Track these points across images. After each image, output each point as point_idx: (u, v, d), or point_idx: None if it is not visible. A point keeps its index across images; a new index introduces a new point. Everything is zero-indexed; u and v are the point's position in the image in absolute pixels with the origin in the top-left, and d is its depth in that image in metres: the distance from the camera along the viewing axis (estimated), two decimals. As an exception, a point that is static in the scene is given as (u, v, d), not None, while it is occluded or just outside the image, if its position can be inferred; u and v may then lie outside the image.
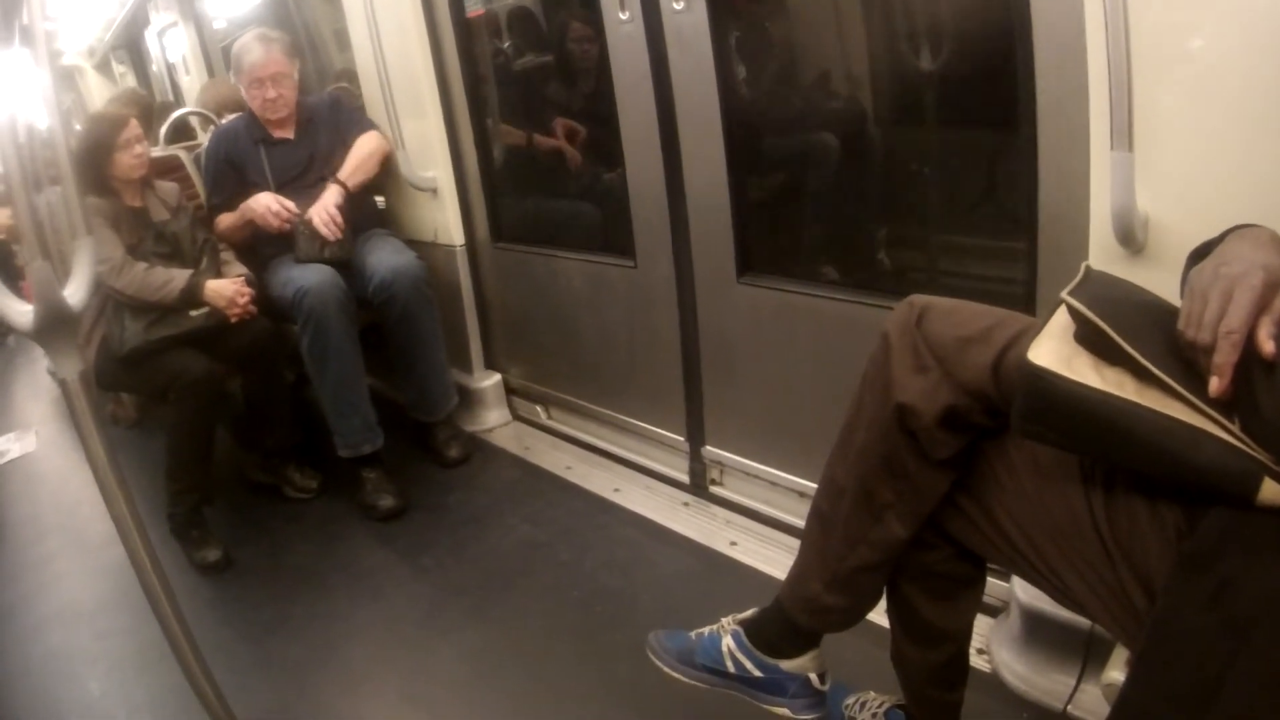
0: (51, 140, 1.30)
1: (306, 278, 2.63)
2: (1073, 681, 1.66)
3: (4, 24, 1.23)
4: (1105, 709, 1.50)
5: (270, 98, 2.84)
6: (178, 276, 2.51)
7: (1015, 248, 1.75)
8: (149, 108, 4.53)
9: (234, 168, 2.93)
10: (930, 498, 1.17)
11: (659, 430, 2.68)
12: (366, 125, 3.03)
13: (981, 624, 1.75)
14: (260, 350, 2.70)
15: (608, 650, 1.96)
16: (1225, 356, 0.84)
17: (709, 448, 2.53)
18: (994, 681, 1.75)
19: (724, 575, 2.21)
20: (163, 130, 3.84)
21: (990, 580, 1.37)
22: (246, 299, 2.58)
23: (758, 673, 1.42)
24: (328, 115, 3.01)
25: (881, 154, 2.11)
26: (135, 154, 2.60)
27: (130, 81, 7.77)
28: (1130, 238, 1.38)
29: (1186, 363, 0.89)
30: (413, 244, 3.00)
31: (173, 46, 6.30)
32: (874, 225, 2.15)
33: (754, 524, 2.38)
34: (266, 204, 2.78)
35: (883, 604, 1.36)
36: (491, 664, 2.01)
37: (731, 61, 2.16)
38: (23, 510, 3.26)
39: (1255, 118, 1.23)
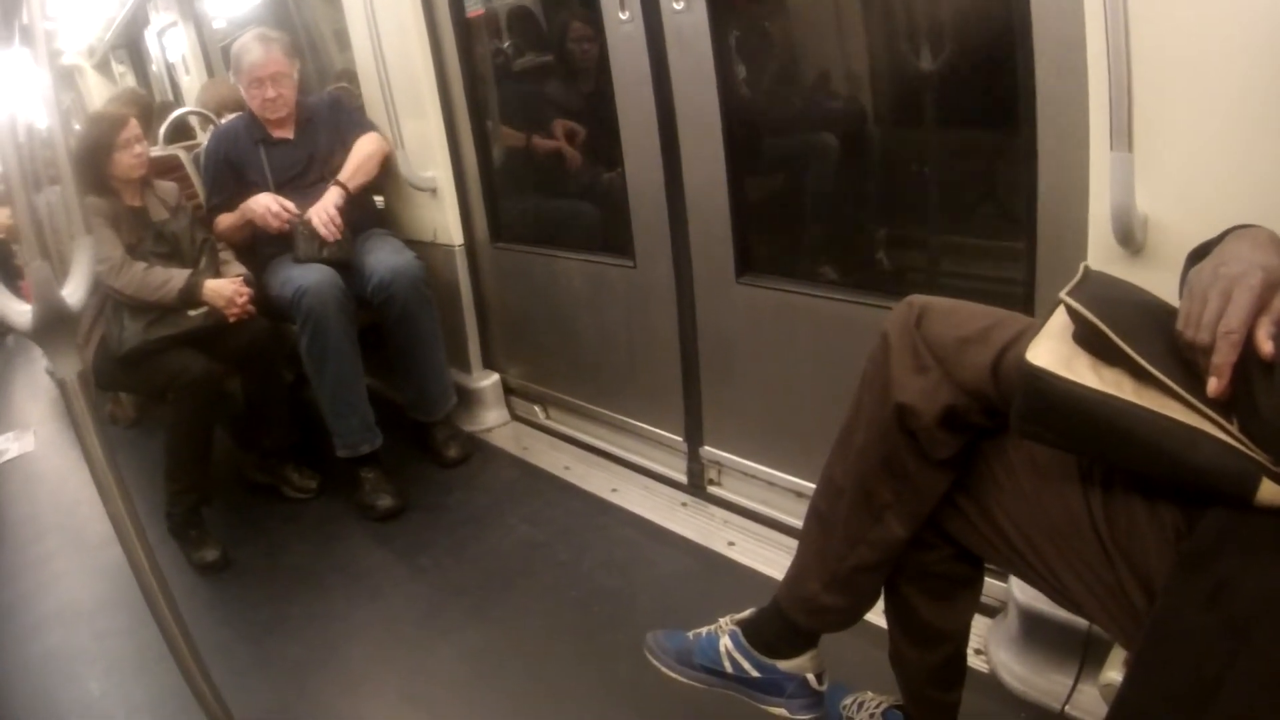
0: (51, 140, 1.31)
1: (305, 277, 2.63)
2: (1070, 682, 1.66)
3: (4, 23, 1.23)
4: (1103, 709, 1.50)
5: (269, 97, 2.84)
6: (176, 276, 2.51)
7: (1014, 248, 1.75)
8: (148, 107, 4.53)
9: (233, 168, 2.92)
10: (929, 498, 1.17)
11: (657, 430, 2.68)
12: (367, 126, 3.03)
13: (979, 624, 1.75)
14: (259, 350, 2.70)
15: (606, 650, 1.96)
16: (1224, 357, 0.84)
17: (707, 448, 2.53)
18: (992, 682, 1.75)
19: (722, 575, 2.20)
20: (162, 130, 3.84)
21: (988, 580, 1.37)
22: (245, 299, 2.58)
23: (755, 673, 1.42)
24: (328, 115, 3.01)
25: (881, 154, 2.11)
26: (135, 154, 2.60)
27: (130, 81, 7.78)
28: (1129, 238, 1.38)
29: (1185, 363, 0.89)
30: (412, 244, 3.00)
31: (172, 46, 6.30)
32: (873, 225, 2.15)
33: (752, 524, 2.38)
34: (266, 204, 2.78)
35: (881, 604, 1.36)
36: (490, 664, 2.01)
37: (731, 61, 2.16)
38: (21, 510, 3.26)
39: (1255, 118, 1.23)
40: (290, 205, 2.78)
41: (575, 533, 2.47)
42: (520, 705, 1.88)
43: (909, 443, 1.13)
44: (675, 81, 2.23)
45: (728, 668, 1.44)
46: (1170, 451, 0.87)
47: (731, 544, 2.31)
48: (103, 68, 8.42)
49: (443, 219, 3.10)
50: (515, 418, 3.27)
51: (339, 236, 2.76)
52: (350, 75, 3.58)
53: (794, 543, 1.39)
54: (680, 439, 2.60)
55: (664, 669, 1.51)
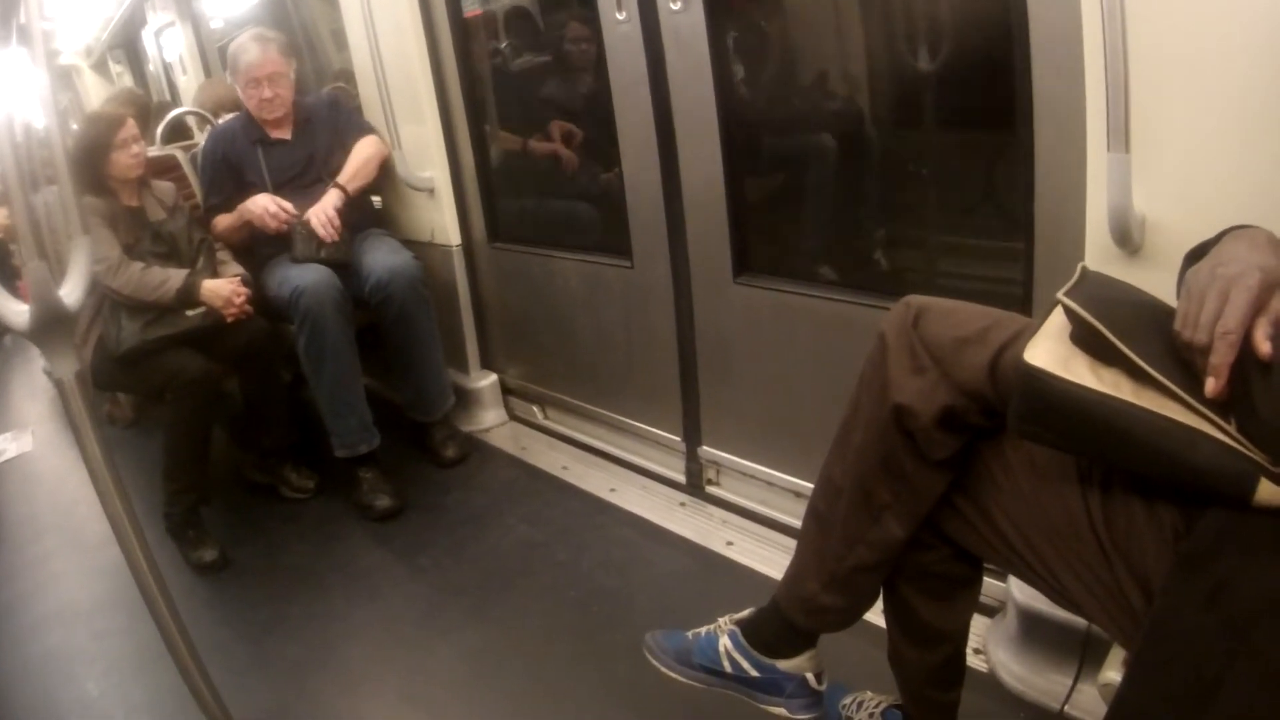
0: (48, 140, 1.31)
1: (303, 277, 2.63)
2: (1069, 681, 1.66)
3: (2, 23, 1.23)
4: (1102, 709, 1.50)
5: (266, 98, 2.84)
6: (174, 276, 2.50)
7: (1012, 248, 1.76)
8: (146, 107, 4.52)
9: (231, 168, 2.92)
10: (928, 498, 1.17)
11: (655, 430, 2.68)
12: (366, 128, 3.03)
13: (978, 624, 1.75)
14: (257, 350, 2.69)
15: (605, 650, 1.96)
16: (1222, 357, 0.84)
17: (705, 448, 2.53)
18: (991, 681, 1.75)
19: (720, 575, 2.21)
20: (159, 130, 3.84)
21: (987, 580, 1.37)
22: (243, 299, 2.58)
23: (754, 673, 1.42)
24: (326, 115, 3.01)
25: (878, 154, 2.11)
26: (132, 153, 2.60)
27: (127, 81, 7.77)
28: (1127, 238, 1.38)
29: (1183, 363, 0.89)
30: (409, 244, 2.99)
31: (170, 46, 6.30)
32: (871, 225, 2.15)
33: (750, 524, 2.38)
34: (264, 205, 2.78)
35: (880, 604, 1.37)
36: (490, 664, 2.01)
37: (728, 62, 2.16)
38: (19, 510, 3.26)
39: (1252, 119, 1.23)
40: (288, 206, 2.78)
41: (574, 532, 2.47)
42: (519, 705, 1.88)
43: (907, 443, 1.14)
44: (672, 82, 2.23)
45: (727, 667, 1.44)
46: (1168, 452, 0.87)
47: (730, 544, 2.31)
48: (100, 68, 8.42)
49: (440, 219, 3.09)
50: (513, 418, 3.26)
51: (337, 238, 2.76)
52: (347, 75, 3.58)
53: (793, 542, 1.39)
54: (678, 439, 2.60)
55: (663, 669, 1.51)
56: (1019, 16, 1.57)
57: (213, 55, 5.67)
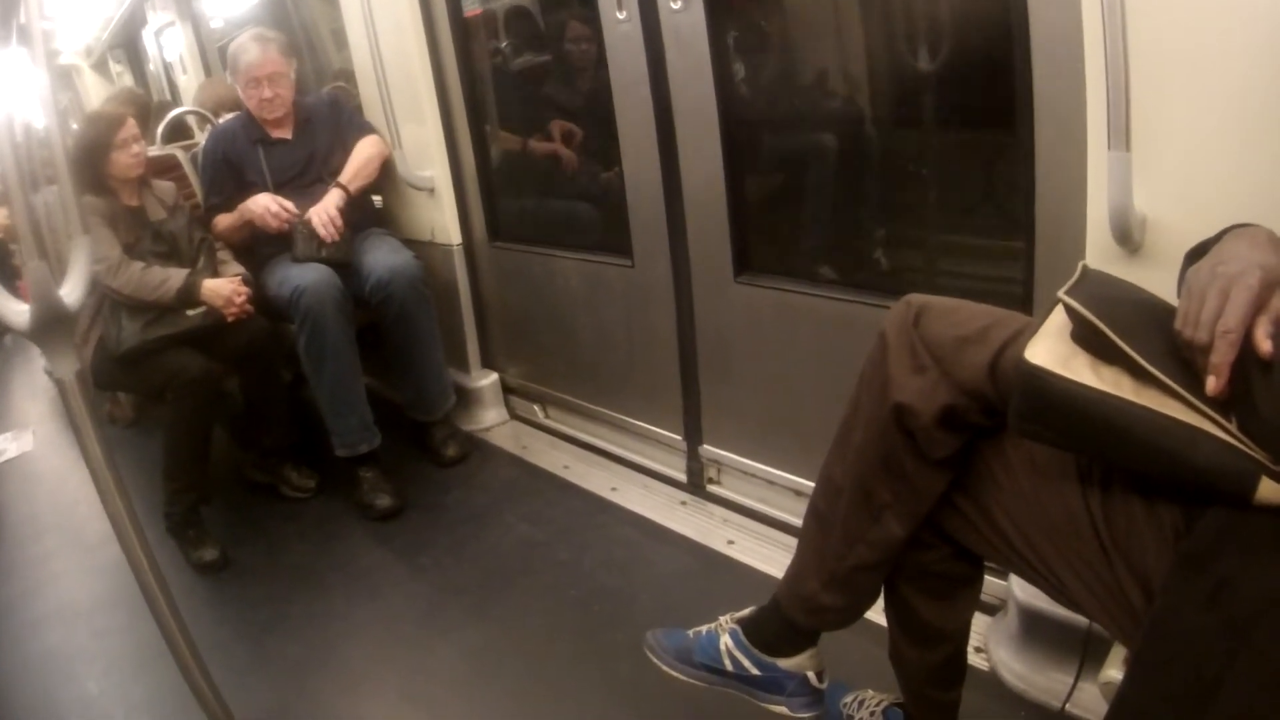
0: (48, 139, 1.31)
1: (303, 277, 2.63)
2: (1070, 680, 1.66)
3: (2, 23, 1.23)
4: (1103, 707, 1.50)
5: (266, 97, 2.84)
6: (174, 276, 2.50)
7: (1013, 247, 1.76)
8: (146, 107, 4.52)
9: (232, 168, 2.92)
10: (928, 497, 1.17)
11: (656, 429, 2.68)
12: (367, 128, 3.03)
13: (979, 623, 1.75)
14: (257, 349, 2.69)
15: (607, 649, 1.96)
16: (1222, 356, 0.84)
17: (706, 447, 2.53)
18: (992, 680, 1.75)
19: (722, 574, 2.21)
20: (160, 129, 3.84)
21: (988, 579, 1.37)
22: (243, 298, 2.58)
23: (756, 671, 1.42)
24: (327, 115, 3.01)
25: (879, 154, 2.11)
26: (132, 153, 2.60)
27: (127, 81, 7.77)
28: (1127, 237, 1.38)
29: (1184, 362, 0.89)
30: (410, 243, 3.00)
31: (170, 46, 6.30)
32: (871, 224, 2.15)
33: (751, 523, 2.39)
34: (265, 204, 2.78)
35: (881, 602, 1.37)
36: (490, 663, 2.01)
37: (729, 61, 2.16)
38: (20, 509, 3.26)
39: (1253, 117, 1.23)
40: (289, 205, 2.78)
41: (575, 532, 2.47)
42: (520, 704, 1.88)
43: (907, 442, 1.13)
44: (673, 81, 2.23)
45: (728, 666, 1.44)
46: (1169, 450, 0.87)
47: (731, 542, 2.31)
48: (100, 67, 8.42)
49: (440, 218, 3.09)
50: (514, 417, 3.27)
51: (339, 238, 2.76)
52: (348, 75, 3.58)
53: (793, 541, 1.40)
54: (679, 438, 2.60)
55: (664, 667, 1.51)
56: (1019, 15, 1.57)
57: (213, 55, 5.67)
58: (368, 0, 2.83)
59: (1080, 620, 1.57)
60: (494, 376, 3.26)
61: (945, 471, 1.14)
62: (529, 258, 2.95)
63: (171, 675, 1.45)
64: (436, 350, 2.92)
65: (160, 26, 6.29)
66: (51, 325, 1.21)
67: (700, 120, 2.19)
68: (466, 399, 3.20)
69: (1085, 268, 1.02)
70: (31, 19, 1.28)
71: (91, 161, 2.53)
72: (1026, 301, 1.71)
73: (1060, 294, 0.96)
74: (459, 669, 2.01)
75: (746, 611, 1.47)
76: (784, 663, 1.42)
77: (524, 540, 2.48)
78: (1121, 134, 1.32)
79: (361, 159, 2.93)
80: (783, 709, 1.44)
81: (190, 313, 2.52)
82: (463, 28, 2.86)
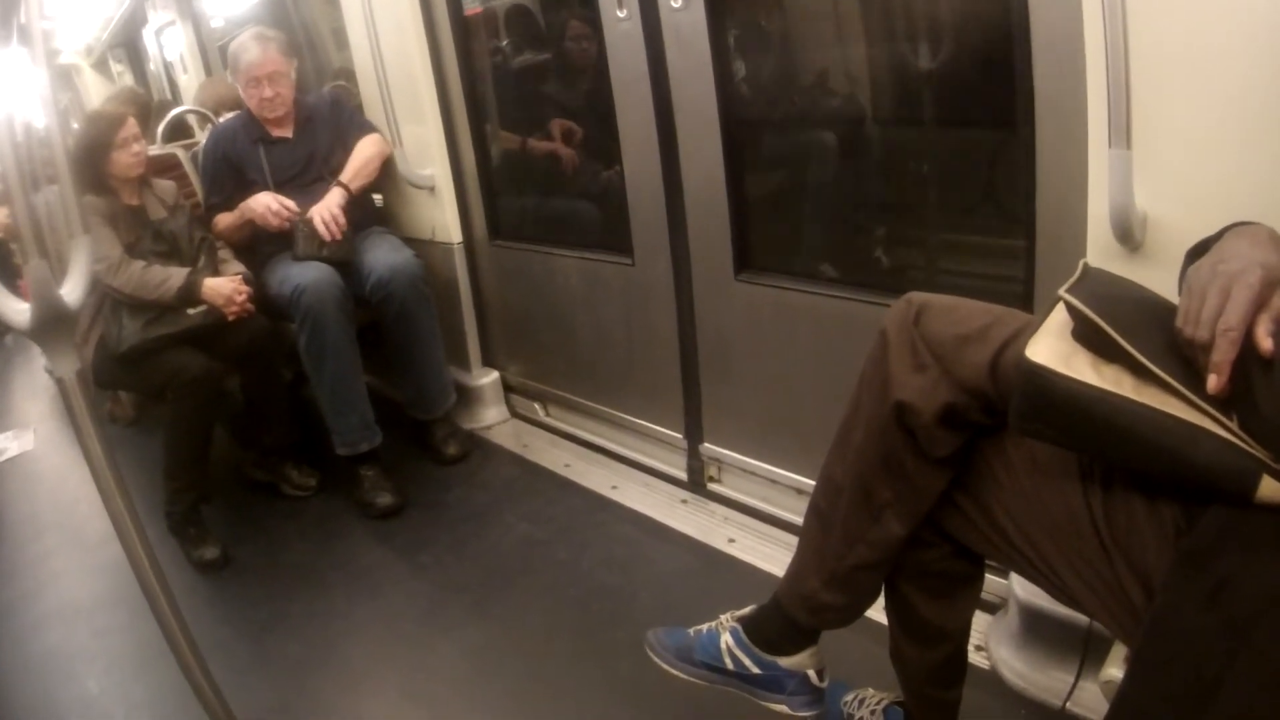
0: (49, 139, 1.30)
1: (304, 276, 2.63)
2: (1071, 678, 1.66)
3: (2, 22, 1.23)
4: (1104, 706, 1.50)
5: (267, 97, 2.84)
6: (175, 275, 2.50)
7: (1013, 245, 1.75)
8: (146, 106, 4.51)
9: (232, 166, 2.92)
10: (928, 496, 1.17)
11: (657, 428, 2.68)
12: (368, 127, 3.03)
13: (980, 621, 1.76)
14: (258, 348, 2.69)
15: (607, 648, 1.96)
16: (1223, 354, 0.84)
17: (707, 445, 2.53)
18: (992, 679, 1.75)
19: (722, 572, 2.21)
20: (160, 129, 3.83)
21: (989, 577, 1.37)
22: (244, 297, 2.58)
23: (756, 670, 1.42)
24: (328, 114, 3.01)
25: (880, 152, 2.11)
26: (133, 152, 2.60)
27: (128, 80, 7.77)
28: (1128, 235, 1.38)
29: (1185, 360, 0.89)
30: (410, 242, 2.99)
31: (170, 45, 6.29)
32: (872, 223, 2.15)
33: (752, 521, 2.39)
34: (266, 203, 2.78)
35: (881, 601, 1.37)
36: (491, 661, 2.01)
37: (729, 60, 2.16)
38: (21, 508, 3.26)
39: (1253, 115, 1.23)
40: (290, 204, 2.78)
41: (575, 530, 2.47)
42: (521, 703, 1.88)
43: (908, 441, 1.14)
44: (673, 80, 2.23)
45: (728, 664, 1.44)
46: (1170, 448, 0.87)
47: (732, 541, 2.31)
48: (100, 67, 8.42)
49: (441, 217, 3.09)
50: (515, 415, 3.27)
51: (340, 237, 2.76)
52: (348, 74, 3.57)
53: (794, 540, 1.40)
54: (680, 436, 2.60)
55: (665, 666, 1.51)
56: (1020, 13, 1.57)
57: (213, 54, 5.67)
58: (368, -1, 2.83)
59: (1081, 619, 1.57)
60: (494, 375, 3.26)
61: (946, 470, 1.14)
62: (529, 256, 2.95)
63: (172, 674, 1.45)
64: (437, 349, 2.92)
65: (161, 26, 6.29)
66: (52, 324, 1.21)
67: (701, 119, 2.19)
68: (467, 397, 3.20)
69: (1086, 266, 1.02)
70: (32, 18, 1.28)
71: (92, 161, 2.53)
72: (1027, 300, 1.71)
73: (1061, 292, 0.96)
74: (459, 667, 2.01)
75: (747, 610, 1.47)
76: (784, 661, 1.42)
77: (524, 538, 2.48)
78: (1122, 132, 1.32)
79: (362, 158, 2.93)
80: (783, 707, 1.44)
81: (191, 312, 2.52)
82: (463, 26, 2.86)
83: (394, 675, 2.02)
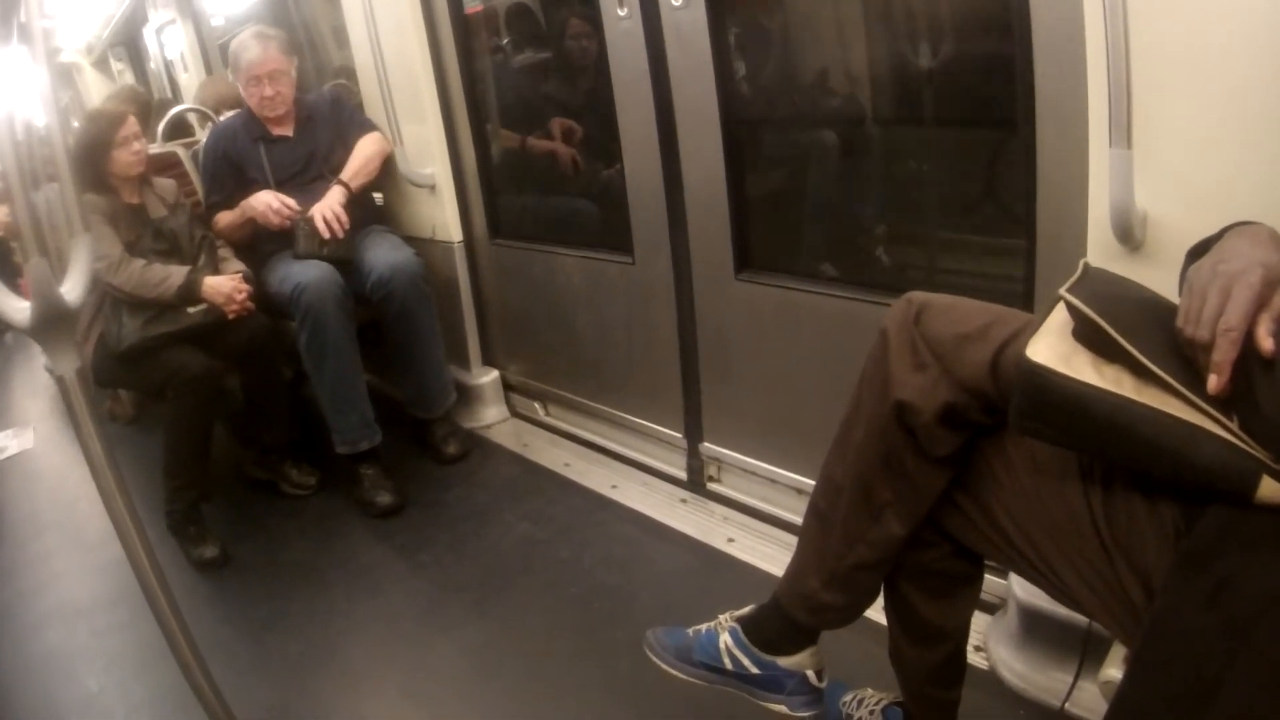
0: (49, 137, 1.30)
1: (304, 274, 2.63)
2: (1070, 679, 1.66)
3: (2, 21, 1.22)
4: (1103, 706, 1.50)
5: (268, 95, 2.84)
6: (175, 273, 2.50)
7: (1014, 245, 1.75)
8: (147, 105, 4.51)
9: (233, 165, 2.92)
10: (929, 495, 1.17)
11: (657, 427, 2.68)
12: (368, 126, 3.03)
13: (979, 621, 1.75)
14: (258, 347, 2.69)
15: (606, 647, 1.96)
16: (1224, 354, 0.84)
17: (707, 444, 2.53)
18: (992, 679, 1.75)
19: (722, 572, 2.21)
20: (160, 127, 3.83)
21: (988, 578, 1.37)
22: (244, 295, 2.58)
23: (755, 670, 1.42)
24: (328, 113, 3.01)
25: (880, 151, 2.11)
26: (133, 151, 2.60)
27: (128, 78, 7.77)
28: (1129, 235, 1.38)
29: (1186, 360, 0.89)
30: (410, 240, 2.99)
31: (171, 44, 6.29)
32: (872, 222, 2.15)
33: (752, 521, 2.39)
34: (267, 201, 2.78)
35: (881, 600, 1.37)
36: (491, 660, 2.01)
37: (730, 59, 2.16)
38: (20, 507, 3.26)
39: (1254, 115, 1.23)
40: (291, 202, 2.78)
41: (575, 529, 2.47)
42: (520, 702, 1.88)
43: (908, 440, 1.13)
44: (674, 78, 2.23)
45: (727, 664, 1.44)
46: (1170, 448, 0.87)
47: (731, 540, 2.31)
48: (101, 65, 8.42)
49: (441, 215, 3.09)
50: (515, 414, 3.27)
51: (342, 236, 2.76)
52: (348, 72, 3.57)
53: (794, 539, 1.40)
54: (680, 435, 2.60)
55: (664, 666, 1.51)
56: (1021, 13, 1.57)
57: (214, 52, 5.66)
58: (369, -2, 2.83)
59: (1080, 619, 1.57)
60: (494, 374, 3.26)
61: (946, 469, 1.14)
62: (530, 255, 2.95)
63: (172, 673, 1.45)
64: (437, 347, 2.92)
65: (161, 24, 6.28)
66: (52, 322, 1.21)
67: (701, 118, 2.19)
68: (467, 396, 3.20)
69: (1087, 265, 1.02)
70: (32, 17, 1.28)
71: (92, 159, 2.53)
72: (1027, 299, 1.71)
73: (1062, 291, 0.96)
74: (459, 666, 2.01)
75: (746, 610, 1.47)
76: (783, 661, 1.41)
77: (524, 538, 2.48)
78: (1123, 131, 1.32)
79: (363, 156, 2.93)
80: (782, 708, 1.44)
81: (191, 310, 2.52)
82: (464, 25, 2.86)
83: (394, 674, 2.02)
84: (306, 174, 2.92)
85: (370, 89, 3.07)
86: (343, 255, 2.76)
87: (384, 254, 2.80)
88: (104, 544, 2.57)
